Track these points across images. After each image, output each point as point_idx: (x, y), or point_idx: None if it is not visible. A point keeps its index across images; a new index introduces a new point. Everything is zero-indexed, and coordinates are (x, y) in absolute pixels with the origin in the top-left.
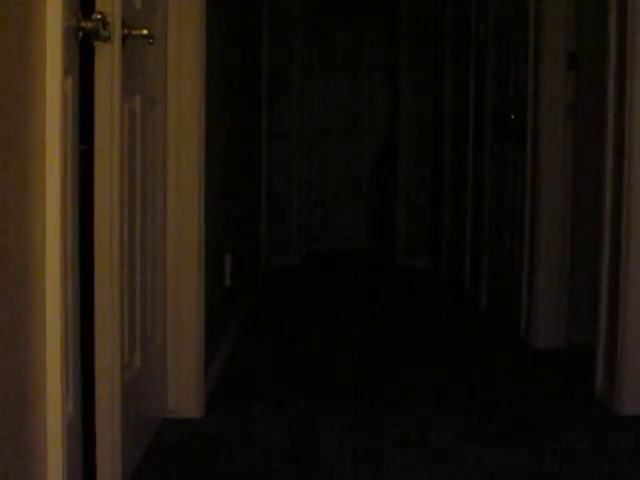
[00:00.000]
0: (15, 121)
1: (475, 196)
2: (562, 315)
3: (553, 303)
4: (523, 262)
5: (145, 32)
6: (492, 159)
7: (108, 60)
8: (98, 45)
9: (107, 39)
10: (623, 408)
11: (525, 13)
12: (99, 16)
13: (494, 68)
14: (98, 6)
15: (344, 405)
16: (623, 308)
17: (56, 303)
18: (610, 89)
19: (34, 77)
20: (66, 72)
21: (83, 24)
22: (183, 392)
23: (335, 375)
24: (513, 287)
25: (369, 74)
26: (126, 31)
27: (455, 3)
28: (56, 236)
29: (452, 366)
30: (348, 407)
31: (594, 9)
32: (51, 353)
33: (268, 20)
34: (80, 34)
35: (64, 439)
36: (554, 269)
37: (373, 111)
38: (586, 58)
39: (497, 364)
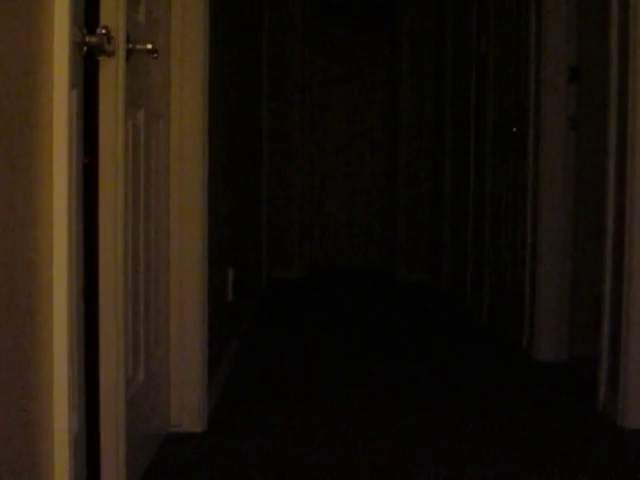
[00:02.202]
0: (22, 136)
1: (476, 209)
2: (564, 328)
3: (555, 316)
4: (525, 275)
5: (149, 46)
6: (493, 172)
7: (112, 75)
8: (102, 60)
9: (111, 54)
10: (626, 421)
11: (526, 26)
12: (104, 31)
13: (495, 81)
14: (102, 21)
15: (347, 422)
16: (626, 320)
17: (63, 320)
18: (612, 101)
19: (41, 92)
20: (72, 87)
21: (88, 39)
22: (186, 407)
23: (336, 392)
24: (515, 301)
25: (368, 87)
26: (130, 46)
27: (456, 16)
28: (63, 250)
29: (454, 381)
30: (351, 424)
31: (596, 21)
32: (58, 370)
33: (268, 35)
34: (85, 49)
35: (71, 455)
36: (556, 282)
37: (373, 125)
38: (587, 70)
39: (499, 378)
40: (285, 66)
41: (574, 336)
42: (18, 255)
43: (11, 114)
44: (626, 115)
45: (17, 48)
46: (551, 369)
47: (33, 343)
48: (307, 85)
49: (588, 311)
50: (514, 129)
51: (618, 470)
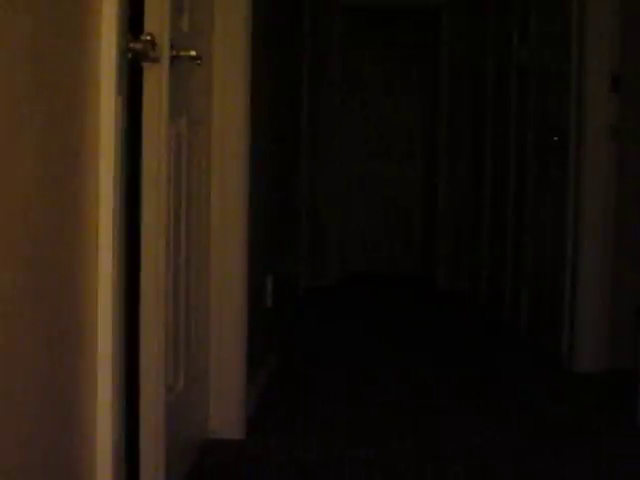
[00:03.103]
0: (71, 142)
1: (516, 219)
2: (604, 339)
3: (595, 328)
4: (565, 287)
5: (193, 53)
6: (534, 182)
7: (156, 81)
8: (147, 66)
9: (156, 60)
10: None
11: (568, 35)
12: (148, 37)
13: (536, 90)
14: (147, 27)
15: (386, 427)
16: None
17: (108, 329)
18: None
19: (89, 99)
20: (119, 93)
21: (132, 45)
22: (225, 413)
23: (374, 398)
24: (554, 312)
25: (408, 96)
26: (174, 52)
27: (496, 25)
28: (108, 258)
29: (493, 393)
30: (389, 428)
31: (638, 30)
32: (102, 378)
33: (309, 47)
34: (129, 55)
35: (113, 462)
36: (597, 293)
37: (412, 132)
38: (630, 79)
39: (537, 389)
40: (324, 71)
41: (614, 348)
42: (64, 263)
43: (59, 119)
44: None
45: (65, 54)
46: (591, 381)
47: (78, 351)
48: (345, 90)
49: (629, 323)
50: (555, 138)
51: None
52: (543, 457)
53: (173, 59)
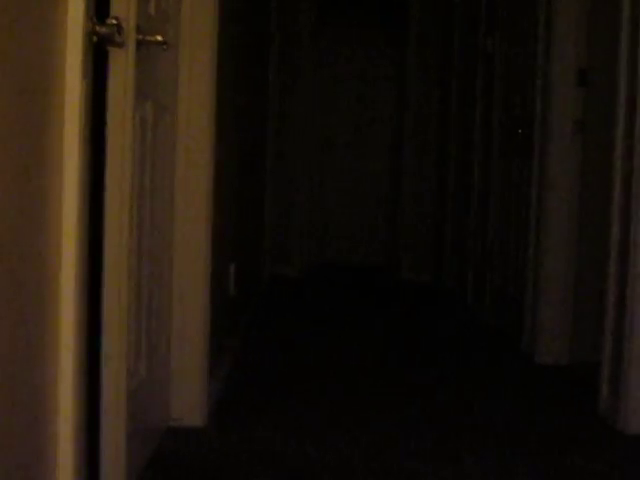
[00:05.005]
0: (34, 126)
1: (480, 210)
2: (566, 332)
3: (557, 320)
4: (527, 278)
5: (159, 38)
6: (498, 173)
7: (122, 66)
8: (112, 50)
9: (121, 45)
10: (627, 426)
11: (535, 28)
12: (114, 21)
13: (502, 82)
14: (113, 11)
15: (349, 418)
16: (629, 325)
17: (70, 316)
18: (620, 105)
19: (54, 82)
20: (84, 77)
21: (98, 29)
22: (187, 401)
23: (337, 387)
24: (517, 303)
25: (375, 86)
26: (140, 37)
27: (464, 16)
28: (71, 242)
29: (453, 381)
30: (352, 419)
31: (605, 24)
32: (64, 364)
33: (277, 32)
34: (94, 39)
35: (75, 448)
36: (559, 285)
37: (378, 123)
38: (596, 73)
39: (499, 380)
40: (293, 63)
41: (576, 340)
42: (26, 250)
43: (24, 103)
44: (634, 118)
45: (31, 38)
46: (552, 372)
47: (40, 336)
48: (313, 83)
49: (590, 316)
50: (519, 130)
51: (617, 475)
52: (503, 451)
53: (139, 44)
